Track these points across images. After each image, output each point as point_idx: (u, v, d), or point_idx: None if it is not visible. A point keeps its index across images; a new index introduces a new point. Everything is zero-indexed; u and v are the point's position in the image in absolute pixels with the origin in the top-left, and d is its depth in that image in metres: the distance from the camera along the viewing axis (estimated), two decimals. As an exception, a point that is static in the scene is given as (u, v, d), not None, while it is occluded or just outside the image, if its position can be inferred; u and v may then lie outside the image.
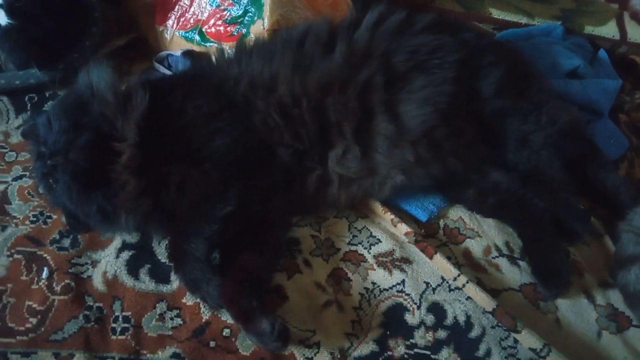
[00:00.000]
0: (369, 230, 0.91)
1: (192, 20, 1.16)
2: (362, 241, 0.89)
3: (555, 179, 0.93)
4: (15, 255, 0.84)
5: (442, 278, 0.84)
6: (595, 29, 1.33)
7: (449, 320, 0.79)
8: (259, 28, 1.07)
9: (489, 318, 0.79)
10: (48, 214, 0.90)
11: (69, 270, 0.82)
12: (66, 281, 0.81)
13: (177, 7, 1.18)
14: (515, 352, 0.76)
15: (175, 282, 0.81)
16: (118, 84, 0.86)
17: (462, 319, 0.79)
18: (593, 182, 0.97)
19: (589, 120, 1.09)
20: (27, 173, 0.97)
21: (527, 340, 0.75)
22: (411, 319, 0.79)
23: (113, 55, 1.15)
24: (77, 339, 0.75)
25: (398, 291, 0.82)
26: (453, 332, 0.78)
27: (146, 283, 0.81)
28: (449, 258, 0.85)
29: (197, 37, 1.15)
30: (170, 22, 1.19)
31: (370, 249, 0.88)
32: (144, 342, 0.75)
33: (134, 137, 0.80)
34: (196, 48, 1.15)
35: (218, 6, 1.13)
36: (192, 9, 1.16)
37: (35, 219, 0.90)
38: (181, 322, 0.77)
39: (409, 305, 0.81)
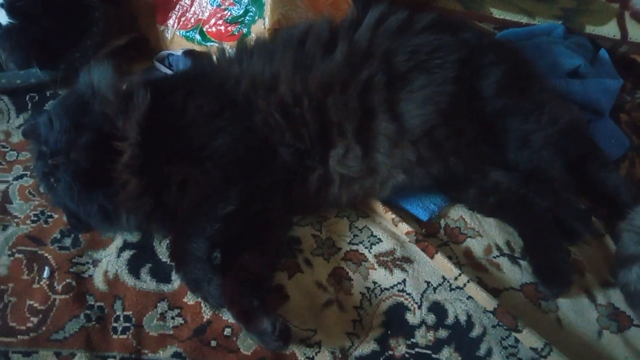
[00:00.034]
0: (370, 229, 0.91)
1: (192, 20, 1.16)
2: (363, 240, 0.89)
3: (556, 178, 0.93)
4: (17, 255, 0.84)
5: (443, 277, 0.84)
6: (596, 29, 1.33)
7: (450, 320, 0.79)
8: (260, 27, 1.07)
9: (489, 317, 0.79)
10: (49, 213, 0.90)
11: (70, 270, 0.82)
12: (67, 280, 0.81)
13: (177, 6, 1.18)
14: (516, 351, 0.76)
15: (176, 282, 0.81)
16: (119, 84, 0.86)
17: (463, 318, 0.79)
18: (594, 181, 0.97)
19: (590, 120, 1.09)
20: (28, 172, 0.97)
21: (528, 339, 0.75)
22: (412, 318, 0.79)
23: (114, 55, 1.15)
24: (78, 339, 0.75)
25: (399, 290, 0.82)
26: (454, 331, 0.78)
27: (147, 282, 0.81)
28: (449, 257, 0.85)
29: (197, 37, 1.15)
30: (171, 21, 1.19)
31: (371, 248, 0.88)
32: (145, 341, 0.75)
33: (135, 137, 0.80)
34: (197, 47, 1.15)
35: (219, 6, 1.13)
36: (192, 9, 1.16)
37: (36, 218, 0.90)
38: (182, 322, 0.77)
39: (410, 305, 0.81)
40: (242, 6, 1.10)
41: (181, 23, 1.18)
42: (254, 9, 1.08)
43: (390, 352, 0.76)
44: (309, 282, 0.83)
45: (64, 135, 0.78)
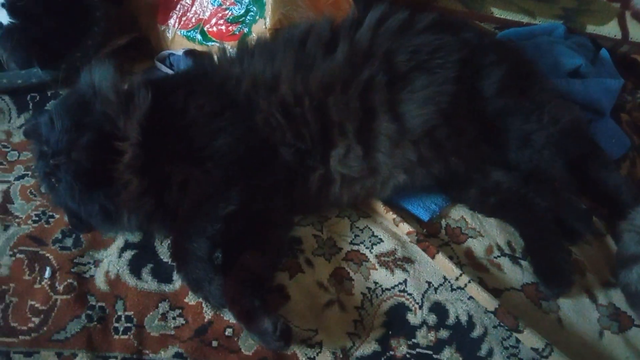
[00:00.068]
0: (371, 229, 0.91)
1: (193, 20, 1.16)
2: (364, 241, 0.89)
3: (557, 178, 0.93)
4: (18, 255, 0.84)
5: (444, 278, 0.84)
6: (597, 28, 1.33)
7: (451, 320, 0.79)
8: (261, 27, 1.07)
9: (490, 318, 0.79)
10: (50, 213, 0.90)
11: (72, 270, 0.82)
12: (69, 281, 0.81)
13: (178, 6, 1.18)
14: (517, 351, 0.76)
15: (177, 282, 0.81)
16: (120, 84, 0.86)
17: (464, 318, 0.79)
18: (595, 181, 0.97)
19: (591, 120, 1.09)
20: (30, 172, 0.97)
21: (529, 339, 0.75)
22: (413, 318, 0.79)
23: (115, 55, 1.15)
24: (79, 339, 0.75)
25: (400, 291, 0.82)
26: (455, 331, 0.78)
27: (148, 282, 0.81)
28: (450, 258, 0.85)
29: (198, 37, 1.15)
30: (172, 21, 1.19)
31: (372, 248, 0.88)
32: (147, 341, 0.75)
33: (136, 137, 0.80)
34: (198, 47, 1.15)
35: (220, 5, 1.13)
36: (193, 8, 1.16)
37: (37, 218, 0.90)
38: (183, 322, 0.78)
39: (411, 305, 0.81)
40: (243, 6, 1.10)
41: (182, 23, 1.18)
42: (255, 9, 1.08)
43: (391, 352, 0.76)
44: (310, 282, 0.83)
45: (65, 135, 0.78)
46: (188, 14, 1.17)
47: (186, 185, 0.81)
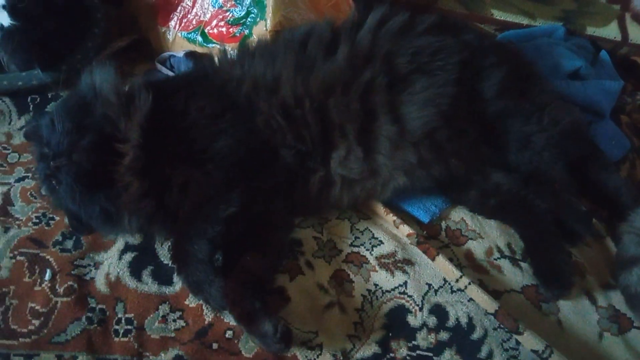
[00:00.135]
0: (371, 231, 0.91)
1: (194, 21, 1.16)
2: (364, 243, 0.89)
3: (557, 180, 0.93)
4: (18, 257, 0.84)
5: (444, 280, 0.84)
6: (596, 30, 1.33)
7: (451, 322, 0.79)
8: (262, 29, 1.07)
9: (491, 320, 0.79)
10: (51, 215, 0.90)
11: (72, 272, 0.82)
12: (69, 283, 0.81)
13: (179, 8, 1.18)
14: (517, 353, 0.76)
15: (178, 284, 0.81)
16: (121, 85, 0.86)
17: (464, 320, 0.79)
18: (594, 183, 0.97)
19: (591, 122, 1.10)
20: (30, 174, 0.97)
21: (529, 341, 0.75)
22: (413, 320, 0.79)
23: (115, 57, 1.15)
24: (79, 341, 0.75)
25: (400, 293, 0.82)
26: (455, 333, 0.78)
27: (149, 285, 0.81)
28: (451, 259, 0.85)
29: (199, 38, 1.15)
30: (172, 23, 1.19)
31: (372, 250, 0.88)
32: (147, 344, 0.75)
33: (137, 139, 0.80)
34: (198, 49, 1.15)
35: (220, 7, 1.13)
36: (194, 10, 1.16)
37: (37, 220, 0.90)
38: (184, 324, 0.78)
39: (411, 307, 0.81)
40: (243, 8, 1.10)
41: (183, 24, 1.18)
42: (255, 11, 1.08)
43: (391, 354, 0.76)
44: (311, 284, 0.83)
45: (66, 137, 0.78)
46: (189, 16, 1.17)
47: (187, 187, 0.81)
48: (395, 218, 0.91)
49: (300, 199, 0.88)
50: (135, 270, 0.83)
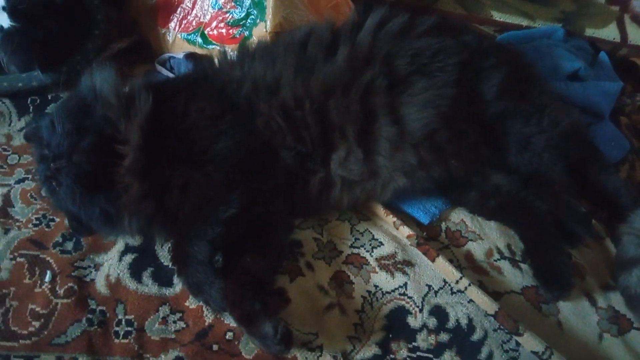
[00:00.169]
0: (371, 232, 0.91)
1: (194, 23, 1.16)
2: (364, 244, 0.89)
3: (557, 181, 0.93)
4: (18, 259, 0.84)
5: (444, 281, 0.84)
6: (596, 32, 1.33)
7: (451, 323, 0.79)
8: (262, 30, 1.07)
9: (491, 321, 0.79)
10: (51, 217, 0.90)
11: (72, 274, 0.82)
12: (69, 284, 0.81)
13: (179, 9, 1.19)
14: (517, 355, 0.76)
15: (178, 285, 0.81)
16: (121, 87, 0.86)
17: (464, 322, 0.79)
18: (594, 184, 0.97)
19: (590, 123, 1.10)
20: (30, 176, 0.97)
21: (529, 343, 0.75)
22: (413, 322, 0.79)
23: (115, 58, 1.15)
24: (80, 343, 0.75)
25: (400, 294, 0.82)
26: (455, 335, 0.78)
27: (149, 286, 0.81)
28: (451, 261, 0.85)
29: (199, 40, 1.15)
30: (172, 24, 1.19)
31: (372, 251, 0.88)
32: (147, 345, 0.75)
33: (137, 140, 0.80)
34: (198, 50, 1.16)
35: (220, 8, 1.13)
36: (194, 12, 1.16)
37: (38, 222, 0.90)
38: (184, 326, 0.78)
39: (411, 308, 0.81)
40: (243, 9, 1.10)
41: (182, 26, 1.18)
42: (255, 12, 1.08)
43: (391, 355, 0.76)
44: (311, 286, 0.83)
45: (66, 138, 0.78)
46: (188, 17, 1.17)
47: (187, 188, 0.81)
48: (395, 219, 0.91)
49: (300, 200, 0.88)
50: (136, 271, 0.83)
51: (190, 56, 1.15)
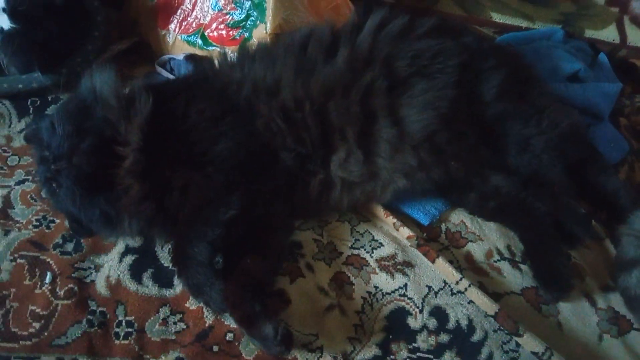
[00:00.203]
0: (371, 233, 0.91)
1: (194, 24, 1.16)
2: (365, 245, 0.89)
3: (556, 182, 0.94)
4: (19, 260, 0.84)
5: (444, 282, 0.84)
6: (595, 33, 1.34)
7: (451, 324, 0.80)
8: (262, 32, 1.07)
9: (491, 322, 0.79)
10: (51, 218, 0.90)
11: (72, 275, 0.82)
12: (69, 286, 0.81)
13: (179, 11, 1.19)
14: (517, 355, 0.76)
15: (178, 287, 0.81)
16: (121, 88, 0.86)
17: (464, 322, 0.80)
18: (593, 185, 0.97)
19: (590, 124, 1.10)
20: (30, 177, 0.97)
21: (529, 343, 0.75)
22: (414, 322, 0.80)
23: (115, 59, 1.15)
24: (80, 344, 0.75)
25: (400, 295, 0.82)
26: (455, 336, 0.78)
27: (149, 287, 0.81)
28: (451, 262, 0.85)
29: (199, 41, 1.15)
30: (172, 25, 1.19)
31: (372, 252, 0.88)
32: (147, 346, 0.75)
33: (137, 142, 0.80)
34: (198, 52, 1.16)
35: (220, 10, 1.13)
36: (194, 13, 1.16)
37: (38, 223, 0.90)
38: (184, 327, 0.78)
39: (411, 309, 0.81)
40: (243, 11, 1.10)
41: (182, 27, 1.18)
42: (255, 14, 1.08)
43: (392, 356, 0.76)
44: (311, 287, 0.83)
45: (67, 140, 0.78)
46: (188, 19, 1.17)
47: (187, 190, 0.81)
48: (395, 220, 0.91)
49: (300, 202, 0.88)
50: (136, 272, 0.83)
51: (190, 58, 1.15)
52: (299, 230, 0.90)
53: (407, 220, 0.93)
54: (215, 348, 0.76)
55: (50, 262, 0.84)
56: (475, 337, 0.78)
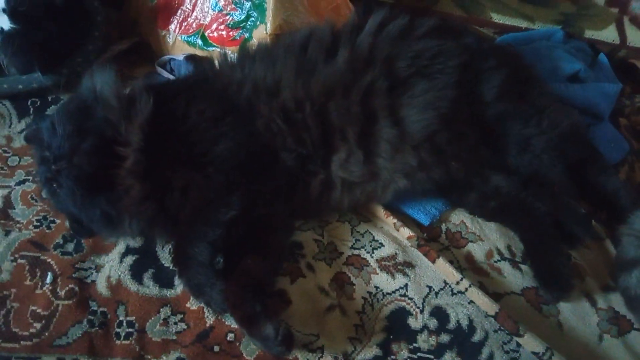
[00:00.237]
0: (372, 234, 0.91)
1: (194, 25, 1.16)
2: (365, 245, 0.89)
3: (556, 182, 0.94)
4: (19, 260, 0.84)
5: (445, 282, 0.84)
6: (595, 33, 1.34)
7: (451, 324, 0.80)
8: (262, 32, 1.07)
9: (491, 322, 0.79)
10: (52, 218, 0.90)
11: (73, 275, 0.82)
12: (70, 286, 0.81)
13: (179, 11, 1.19)
14: (517, 355, 0.76)
15: (179, 287, 0.81)
16: (121, 89, 0.86)
17: (464, 323, 0.80)
18: (593, 185, 0.97)
19: (590, 124, 1.10)
20: (30, 177, 0.97)
21: (530, 343, 0.75)
22: (414, 323, 0.80)
23: (115, 60, 1.15)
24: (81, 344, 0.75)
25: (401, 295, 0.82)
26: (456, 336, 0.78)
27: (150, 288, 0.81)
28: (451, 262, 0.85)
29: (199, 42, 1.15)
30: (172, 26, 1.19)
31: (373, 253, 0.88)
32: (148, 346, 0.75)
33: (137, 142, 0.80)
34: (199, 52, 1.16)
35: (220, 11, 1.13)
36: (194, 14, 1.17)
37: (38, 223, 0.89)
38: (185, 327, 0.78)
39: (412, 310, 0.81)
40: (243, 11, 1.10)
41: (183, 28, 1.18)
42: (255, 14, 1.08)
43: (392, 356, 0.76)
44: (311, 287, 0.83)
45: (67, 140, 0.78)
46: (189, 19, 1.17)
47: (187, 190, 0.81)
48: (395, 221, 0.91)
49: (301, 202, 0.88)
50: (137, 273, 0.83)
51: (190, 58, 1.15)
52: (300, 230, 0.90)
53: (407, 220, 0.93)
54: (216, 348, 0.76)
55: (51, 262, 0.84)
56: (476, 337, 0.78)
